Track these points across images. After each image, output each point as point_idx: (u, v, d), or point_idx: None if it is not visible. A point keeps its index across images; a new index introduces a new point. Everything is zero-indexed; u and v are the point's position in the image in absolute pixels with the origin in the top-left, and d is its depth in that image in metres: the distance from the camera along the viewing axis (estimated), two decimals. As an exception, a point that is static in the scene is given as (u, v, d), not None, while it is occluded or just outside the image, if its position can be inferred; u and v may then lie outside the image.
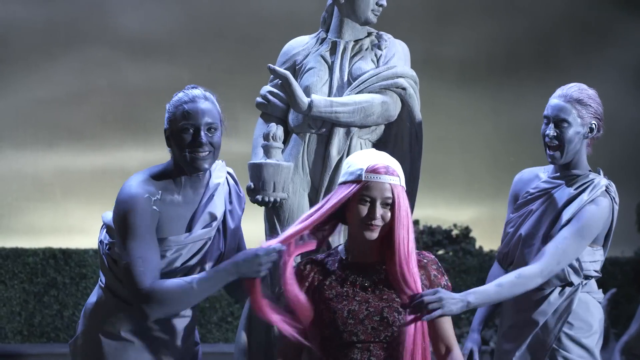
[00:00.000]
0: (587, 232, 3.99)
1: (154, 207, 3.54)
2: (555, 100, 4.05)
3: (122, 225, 3.53)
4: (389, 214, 3.27)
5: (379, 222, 3.26)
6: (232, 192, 3.82)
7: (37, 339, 10.58)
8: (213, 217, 3.66)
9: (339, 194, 3.34)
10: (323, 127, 4.38)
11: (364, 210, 3.27)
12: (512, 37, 14.13)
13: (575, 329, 4.11)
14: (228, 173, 3.87)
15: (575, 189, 4.06)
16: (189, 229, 3.64)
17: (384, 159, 3.35)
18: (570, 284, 4.09)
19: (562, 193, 4.09)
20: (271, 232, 4.38)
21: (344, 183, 3.36)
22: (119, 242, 3.56)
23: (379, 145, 4.47)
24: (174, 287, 3.47)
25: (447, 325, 3.38)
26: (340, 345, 3.29)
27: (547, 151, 4.07)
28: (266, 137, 4.35)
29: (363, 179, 3.28)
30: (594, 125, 4.06)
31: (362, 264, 3.37)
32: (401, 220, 3.26)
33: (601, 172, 4.15)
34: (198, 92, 3.65)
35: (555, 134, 4.01)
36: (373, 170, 3.29)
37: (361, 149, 4.38)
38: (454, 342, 3.39)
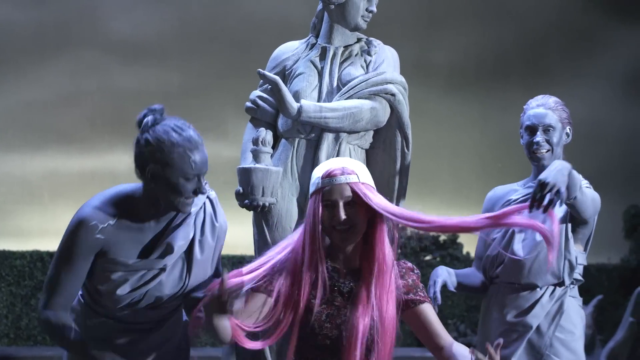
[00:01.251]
0: (594, 196, 4.15)
1: (98, 236, 3.43)
2: (535, 110, 4.28)
3: (62, 244, 3.51)
4: (358, 214, 3.28)
5: (344, 223, 3.27)
6: (206, 221, 3.64)
7: (24, 342, 10.55)
8: (169, 249, 3.51)
9: (309, 210, 3.35)
10: (312, 132, 4.39)
11: (329, 214, 3.30)
12: (502, 44, 14.17)
13: (565, 333, 4.19)
14: (209, 198, 3.69)
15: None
16: (145, 256, 3.52)
17: (338, 162, 3.36)
18: (562, 284, 4.19)
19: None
20: (259, 236, 4.39)
21: (310, 197, 3.38)
22: (55, 254, 3.54)
23: (368, 150, 4.49)
24: (59, 329, 3.50)
25: (435, 322, 3.38)
26: (311, 346, 3.31)
27: (537, 155, 4.23)
28: (255, 141, 4.35)
29: (321, 185, 3.31)
30: (569, 130, 4.31)
31: (341, 270, 3.38)
32: (380, 210, 3.29)
33: None
34: (196, 136, 3.46)
35: (544, 140, 4.22)
36: (328, 175, 3.31)
37: (350, 154, 4.39)
38: (445, 335, 3.39)
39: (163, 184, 3.41)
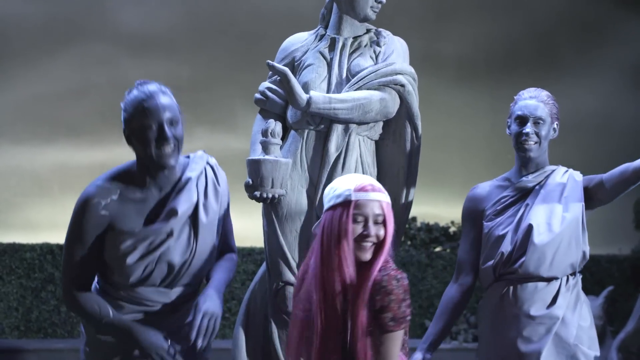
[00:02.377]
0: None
1: (103, 212, 3.56)
2: (528, 101, 4.29)
3: (70, 223, 3.63)
4: (382, 231, 3.24)
5: (373, 239, 3.22)
6: (208, 185, 3.73)
7: (34, 335, 10.57)
8: (173, 213, 3.60)
9: (330, 221, 3.24)
10: (321, 123, 4.38)
11: (358, 229, 3.24)
12: (511, 35, 14.13)
13: (583, 320, 4.21)
14: (209, 164, 3.79)
15: (562, 177, 4.28)
16: (152, 223, 3.62)
17: (366, 178, 3.30)
18: (574, 274, 4.22)
19: (552, 184, 4.26)
20: (269, 228, 4.39)
21: (332, 208, 3.27)
22: (66, 235, 3.64)
23: (377, 142, 4.47)
24: (89, 308, 3.61)
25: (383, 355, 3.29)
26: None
27: (525, 146, 4.24)
28: (264, 133, 4.35)
29: (352, 198, 3.25)
30: (556, 126, 4.33)
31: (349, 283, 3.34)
32: (390, 237, 3.24)
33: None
34: (153, 87, 3.59)
35: (534, 131, 4.24)
36: (361, 189, 3.25)
37: (359, 145, 4.38)
38: None
39: (136, 143, 3.55)
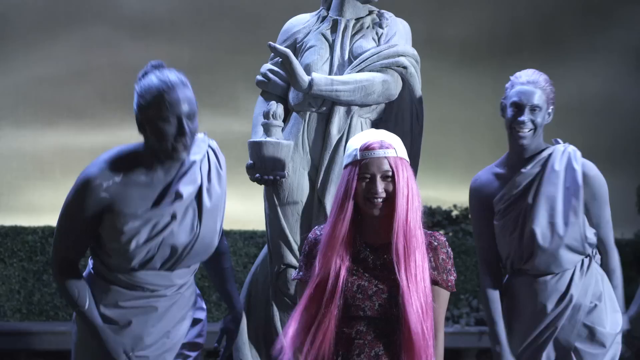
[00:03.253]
0: (606, 196, 4.21)
1: (103, 195, 3.50)
2: (525, 87, 4.15)
3: (67, 197, 3.58)
4: (392, 187, 3.28)
5: (381, 195, 3.26)
6: (212, 169, 3.68)
7: (36, 317, 10.58)
8: (178, 196, 3.55)
9: (342, 180, 3.35)
10: (323, 105, 4.36)
11: (366, 187, 3.28)
12: (515, 18, 14.07)
13: (597, 299, 4.22)
14: (211, 147, 3.73)
15: (559, 165, 4.17)
16: (154, 207, 3.56)
17: (377, 135, 3.35)
18: (587, 255, 4.20)
19: (550, 178, 4.16)
20: (271, 210, 4.37)
21: (345, 167, 3.37)
22: (61, 212, 3.61)
23: (379, 124, 4.45)
24: (69, 290, 3.58)
25: (439, 310, 3.36)
26: (347, 318, 3.29)
27: (519, 134, 4.13)
28: (266, 115, 4.33)
29: (359, 157, 3.29)
30: (551, 110, 4.20)
31: (374, 244, 3.36)
32: (401, 189, 3.27)
33: (560, 141, 4.29)
34: (174, 77, 3.48)
35: (530, 119, 4.12)
36: (367, 148, 3.30)
37: (362, 128, 4.36)
38: (439, 328, 3.37)
39: (150, 131, 3.47)
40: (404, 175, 3.29)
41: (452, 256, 3.39)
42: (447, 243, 3.39)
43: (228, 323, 3.89)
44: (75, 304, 3.58)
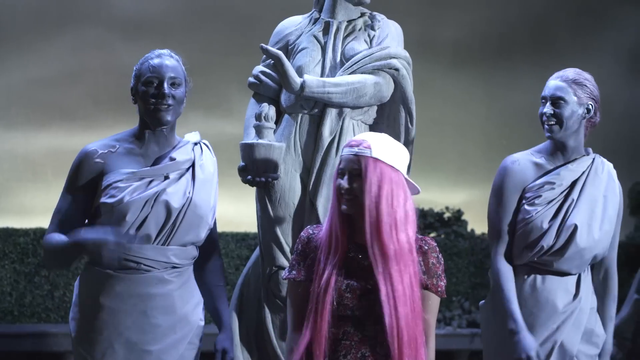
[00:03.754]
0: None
1: (97, 160, 3.74)
2: (552, 81, 4.18)
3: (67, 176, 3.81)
4: (362, 185, 3.29)
5: (348, 193, 3.27)
6: (204, 152, 3.90)
7: (27, 319, 10.54)
8: (172, 159, 3.78)
9: (334, 178, 3.39)
10: (315, 107, 4.36)
11: (338, 183, 3.30)
12: (507, 20, 14.07)
13: (594, 302, 4.26)
14: (203, 142, 3.95)
15: (602, 173, 4.20)
16: None
17: (365, 136, 3.37)
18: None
19: (594, 181, 4.18)
20: (263, 212, 4.37)
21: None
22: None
23: (371, 126, 4.45)
24: (49, 240, 3.72)
25: (428, 316, 3.35)
26: (335, 318, 3.29)
27: (545, 126, 4.16)
28: (258, 117, 4.33)
29: (341, 154, 3.36)
30: (590, 106, 4.17)
31: (362, 243, 3.36)
32: (368, 189, 3.26)
33: (590, 150, 4.30)
34: (164, 50, 3.86)
35: (552, 112, 4.13)
36: (348, 145, 3.35)
37: (353, 130, 4.36)
38: (430, 333, 3.37)
39: (139, 98, 3.77)
40: (375, 175, 3.28)
41: (442, 262, 3.39)
42: (437, 248, 3.40)
43: (223, 342, 3.92)
44: (59, 245, 3.67)
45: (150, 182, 3.71)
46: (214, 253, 4.01)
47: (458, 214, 11.88)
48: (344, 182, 3.31)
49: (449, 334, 10.53)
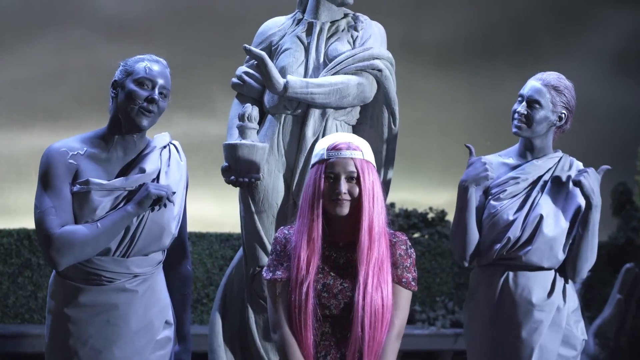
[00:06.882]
0: None
1: (70, 161, 3.62)
2: (533, 82, 4.18)
3: (40, 177, 3.64)
4: (357, 188, 3.32)
5: (346, 196, 3.30)
6: (172, 157, 3.79)
7: (11, 320, 10.52)
8: (141, 171, 3.67)
9: (309, 180, 3.41)
10: (298, 108, 4.37)
11: (330, 186, 3.31)
12: (490, 21, 14.13)
13: (572, 303, 4.24)
14: (172, 143, 3.85)
15: (569, 170, 4.22)
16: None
17: (346, 137, 3.42)
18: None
19: (560, 172, 4.21)
20: (246, 213, 4.38)
21: (312, 167, 3.44)
22: (37, 194, 3.63)
23: (354, 126, 4.46)
24: (80, 228, 3.55)
25: (397, 311, 3.37)
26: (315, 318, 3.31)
27: (513, 122, 4.18)
28: (241, 117, 4.33)
29: (325, 157, 3.33)
30: (563, 115, 4.20)
31: (337, 242, 3.39)
32: (367, 191, 3.32)
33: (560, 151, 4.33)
34: (161, 59, 3.76)
35: (525, 112, 4.14)
36: (334, 148, 3.38)
37: (337, 130, 4.37)
38: (399, 327, 3.38)
39: (123, 94, 3.64)
40: (370, 178, 3.34)
41: (413, 255, 3.43)
42: (408, 242, 3.44)
43: (180, 354, 3.88)
44: (95, 224, 3.59)
45: (120, 194, 3.63)
46: (183, 260, 3.92)
47: (442, 214, 11.92)
48: (342, 186, 3.33)
49: (433, 334, 10.55)
